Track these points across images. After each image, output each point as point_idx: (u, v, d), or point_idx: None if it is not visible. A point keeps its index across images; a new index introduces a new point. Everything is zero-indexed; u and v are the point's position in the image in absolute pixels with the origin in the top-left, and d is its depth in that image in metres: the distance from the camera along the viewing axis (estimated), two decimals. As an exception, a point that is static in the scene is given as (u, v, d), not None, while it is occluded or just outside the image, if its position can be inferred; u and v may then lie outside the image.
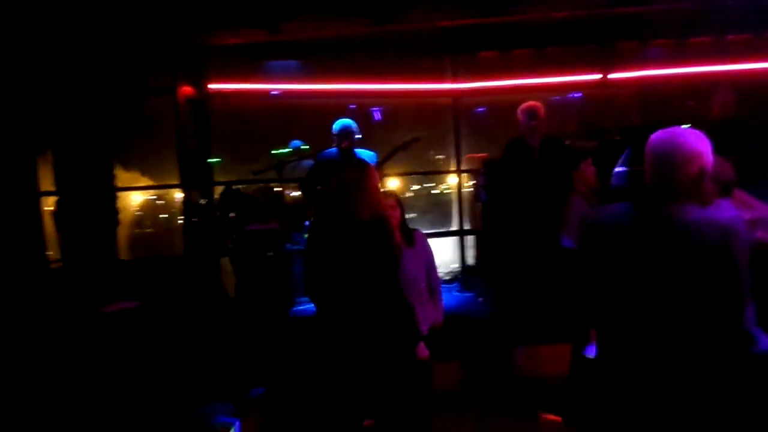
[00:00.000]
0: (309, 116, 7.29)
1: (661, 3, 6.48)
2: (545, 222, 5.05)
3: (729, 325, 2.04)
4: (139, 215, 7.18)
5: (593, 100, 7.45)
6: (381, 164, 5.39)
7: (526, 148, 5.49)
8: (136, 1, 5.34)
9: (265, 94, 7.07)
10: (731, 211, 2.19)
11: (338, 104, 7.41)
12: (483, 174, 6.25)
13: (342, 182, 3.34)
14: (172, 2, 5.58)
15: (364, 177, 3.32)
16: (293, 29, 6.13)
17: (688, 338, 2.05)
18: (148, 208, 7.23)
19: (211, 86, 6.84)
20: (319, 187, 5.37)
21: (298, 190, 6.31)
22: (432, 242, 4.08)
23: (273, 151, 7.19)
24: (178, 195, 7.01)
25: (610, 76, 7.35)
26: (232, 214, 6.40)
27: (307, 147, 6.91)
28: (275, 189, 6.50)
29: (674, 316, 2.07)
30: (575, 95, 7.59)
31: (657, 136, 2.20)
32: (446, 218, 7.91)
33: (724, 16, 6.62)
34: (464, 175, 7.44)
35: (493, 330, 4.82)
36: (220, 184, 6.75)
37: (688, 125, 5.99)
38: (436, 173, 7.92)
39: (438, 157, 7.97)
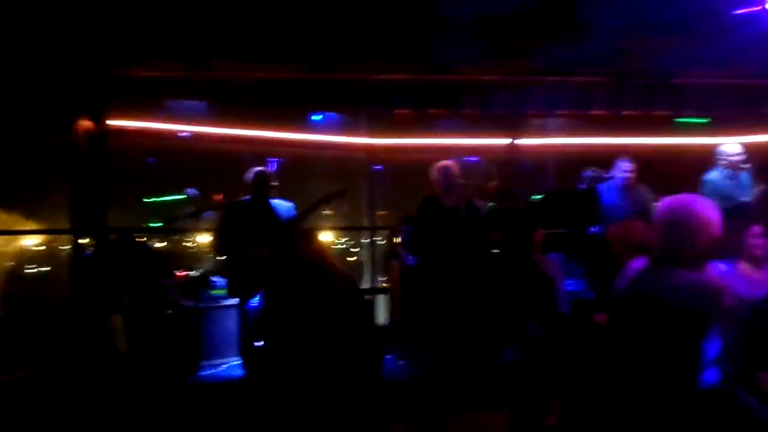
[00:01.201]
0: (218, 161, 6.93)
1: (562, 75, 6.89)
2: (467, 282, 4.99)
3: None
4: (18, 263, 6.33)
5: (502, 163, 7.66)
6: (302, 217, 5.10)
7: (440, 207, 5.39)
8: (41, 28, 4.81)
9: (172, 135, 6.60)
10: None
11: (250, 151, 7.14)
12: (405, 232, 6.14)
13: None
14: (77, 30, 5.11)
15: None
16: (219, 66, 5.82)
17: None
18: (33, 256, 6.40)
19: (113, 122, 6.27)
20: (230, 241, 5.00)
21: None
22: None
23: (149, 199, 6.68)
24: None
25: (518, 141, 7.66)
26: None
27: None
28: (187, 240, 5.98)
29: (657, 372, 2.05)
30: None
31: (669, 202, 2.18)
32: (357, 275, 7.72)
33: (621, 93, 7.19)
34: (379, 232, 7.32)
35: (426, 395, 4.60)
36: (115, 231, 6.12)
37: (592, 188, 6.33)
38: (349, 229, 7.71)
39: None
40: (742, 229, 3.66)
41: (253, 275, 4.81)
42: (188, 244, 7.06)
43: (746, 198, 5.90)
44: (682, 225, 2.10)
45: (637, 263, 3.86)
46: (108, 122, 6.23)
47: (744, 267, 3.52)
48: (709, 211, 2.12)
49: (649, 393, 2.04)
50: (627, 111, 7.38)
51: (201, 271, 6.24)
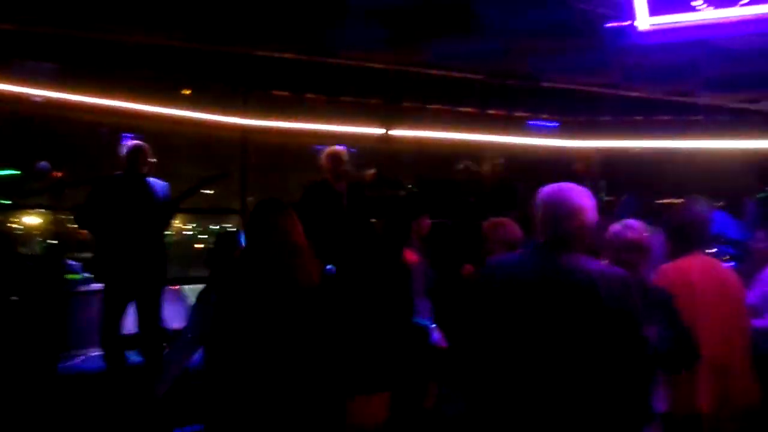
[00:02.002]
0: (73, 132, 6.30)
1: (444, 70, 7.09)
2: (354, 268, 4.98)
3: (632, 389, 2.08)
4: None
5: (377, 152, 7.74)
6: (181, 199, 4.79)
7: (332, 192, 5.38)
8: None
9: (23, 99, 5.86)
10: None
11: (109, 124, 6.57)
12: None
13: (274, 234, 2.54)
14: None
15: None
16: (77, 26, 5.25)
17: (585, 394, 2.05)
18: None
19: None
20: (99, 217, 4.55)
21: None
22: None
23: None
24: None
25: (392, 132, 7.79)
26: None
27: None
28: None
29: (573, 367, 2.06)
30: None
31: (547, 190, 2.26)
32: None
33: (491, 92, 7.57)
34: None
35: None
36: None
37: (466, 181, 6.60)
38: (219, 212, 7.38)
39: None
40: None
41: (125, 257, 4.47)
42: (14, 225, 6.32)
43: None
44: (557, 211, 2.17)
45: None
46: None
47: None
48: (582, 198, 2.19)
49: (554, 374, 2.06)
50: (493, 110, 7.81)
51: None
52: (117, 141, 7.44)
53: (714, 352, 2.73)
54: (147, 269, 4.57)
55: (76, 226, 5.07)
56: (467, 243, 5.52)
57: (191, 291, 6.49)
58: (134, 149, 4.69)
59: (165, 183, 4.80)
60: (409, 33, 5.30)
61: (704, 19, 4.22)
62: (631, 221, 2.78)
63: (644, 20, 4.23)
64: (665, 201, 6.31)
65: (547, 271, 2.12)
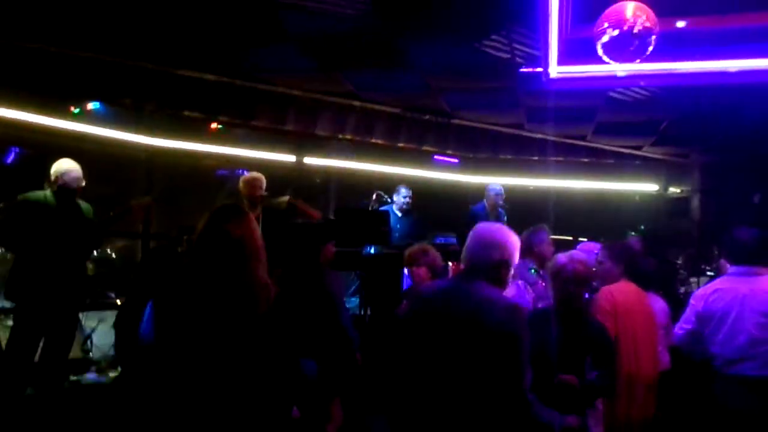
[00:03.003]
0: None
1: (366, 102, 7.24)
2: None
3: (510, 394, 2.30)
4: None
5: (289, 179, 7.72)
6: (109, 223, 4.57)
7: None
8: None
9: None
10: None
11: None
12: (186, 241, 5.82)
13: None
14: None
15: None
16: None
17: (473, 408, 2.27)
18: None
19: None
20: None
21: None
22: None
23: None
24: None
25: (305, 159, 7.82)
26: None
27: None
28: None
29: (461, 382, 2.28)
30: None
31: (478, 227, 2.50)
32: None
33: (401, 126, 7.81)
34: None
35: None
36: None
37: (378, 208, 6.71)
38: (124, 235, 7.02)
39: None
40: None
41: (45, 279, 4.15)
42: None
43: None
44: (480, 245, 2.40)
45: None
46: None
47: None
48: (503, 235, 2.43)
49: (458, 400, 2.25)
50: (403, 143, 8.05)
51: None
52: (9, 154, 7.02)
53: (648, 370, 3.11)
54: (68, 294, 4.29)
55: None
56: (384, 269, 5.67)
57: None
58: (68, 167, 4.37)
59: (88, 205, 4.53)
60: (334, 63, 5.40)
61: (606, 71, 4.64)
62: (575, 253, 2.97)
63: (554, 68, 4.60)
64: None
65: (451, 297, 2.35)
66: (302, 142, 7.79)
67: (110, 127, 6.63)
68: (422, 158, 8.39)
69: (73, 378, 5.36)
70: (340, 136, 7.71)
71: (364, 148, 7.99)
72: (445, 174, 8.70)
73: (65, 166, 4.39)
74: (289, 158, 7.73)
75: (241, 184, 5.50)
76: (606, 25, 4.24)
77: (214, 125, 7.29)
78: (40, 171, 4.68)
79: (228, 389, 2.25)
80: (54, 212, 4.26)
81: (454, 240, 6.60)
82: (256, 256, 2.33)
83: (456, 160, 8.73)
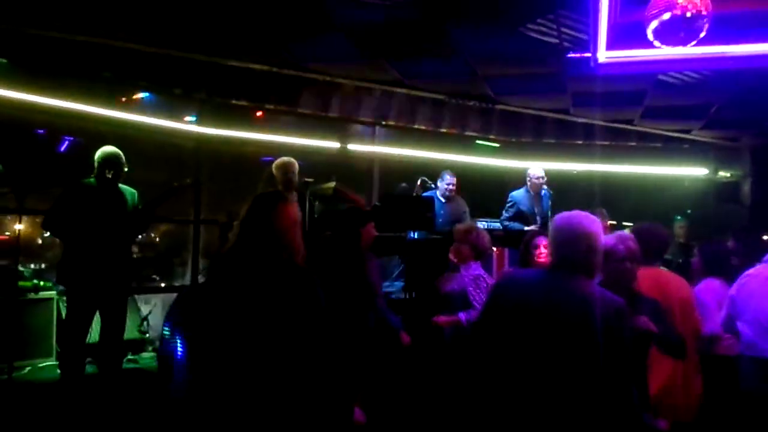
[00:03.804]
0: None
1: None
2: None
3: (617, 398, 2.26)
4: None
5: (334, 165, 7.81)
6: (151, 207, 4.71)
7: None
8: None
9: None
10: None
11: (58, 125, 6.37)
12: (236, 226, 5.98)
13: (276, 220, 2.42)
14: None
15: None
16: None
17: (580, 406, 2.23)
18: None
19: None
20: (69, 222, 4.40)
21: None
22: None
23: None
24: None
25: (349, 146, 7.90)
26: None
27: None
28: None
29: (567, 381, 2.25)
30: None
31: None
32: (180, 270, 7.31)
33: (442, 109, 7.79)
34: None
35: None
36: None
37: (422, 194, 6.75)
38: (173, 221, 7.25)
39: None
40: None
41: (94, 265, 4.33)
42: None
43: (544, 215, 6.82)
44: (567, 236, 2.38)
45: (476, 267, 4.26)
46: None
47: None
48: (590, 224, 2.40)
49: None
50: (445, 129, 8.05)
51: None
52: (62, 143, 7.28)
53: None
54: (115, 278, 4.45)
55: (43, 230, 4.87)
56: (428, 255, 5.72)
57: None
58: (110, 155, 4.55)
59: (134, 190, 4.69)
60: (380, 51, 5.44)
61: (656, 56, 4.57)
62: (622, 234, 2.99)
63: (602, 53, 4.55)
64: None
65: (551, 293, 2.31)
66: (346, 129, 7.87)
67: (160, 117, 6.85)
68: (464, 142, 8.38)
69: (131, 357, 5.65)
70: (384, 122, 7.76)
71: (407, 133, 8.03)
72: (488, 159, 8.67)
73: (107, 152, 4.54)
74: (334, 144, 7.81)
75: (273, 169, 5.55)
76: (657, 9, 4.19)
77: (259, 113, 7.42)
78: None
79: (269, 374, 2.26)
80: (98, 198, 4.42)
81: (498, 225, 6.60)
82: (294, 241, 2.41)
83: (496, 144, 8.69)
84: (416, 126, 7.86)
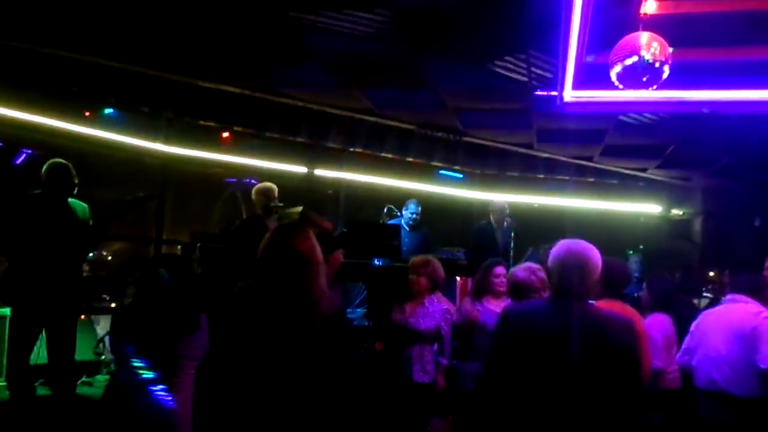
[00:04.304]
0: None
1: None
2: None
3: (633, 411, 2.35)
4: None
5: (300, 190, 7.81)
6: (106, 221, 4.59)
7: (263, 227, 5.42)
8: None
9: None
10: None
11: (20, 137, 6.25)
12: (201, 248, 5.91)
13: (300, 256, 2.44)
14: None
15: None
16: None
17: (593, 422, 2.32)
18: None
19: None
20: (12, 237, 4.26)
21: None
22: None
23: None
24: None
25: (316, 171, 7.94)
26: None
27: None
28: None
29: (584, 399, 2.34)
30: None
31: (561, 246, 2.54)
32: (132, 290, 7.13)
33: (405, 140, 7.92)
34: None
35: None
36: None
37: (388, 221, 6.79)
38: (132, 240, 7.11)
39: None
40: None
41: (41, 281, 4.14)
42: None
43: (505, 245, 6.95)
44: (579, 266, 2.45)
45: (443, 301, 4.32)
46: None
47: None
48: (590, 253, 2.50)
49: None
50: (411, 158, 8.16)
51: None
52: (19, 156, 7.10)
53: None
54: (63, 295, 4.26)
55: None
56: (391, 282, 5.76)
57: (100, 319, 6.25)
58: (56, 167, 4.34)
59: (85, 204, 4.50)
60: (354, 80, 5.52)
61: (618, 97, 4.79)
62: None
63: (568, 93, 4.74)
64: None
65: (563, 318, 2.38)
66: (313, 154, 7.91)
67: (125, 134, 6.78)
68: (429, 172, 8.51)
69: (85, 379, 5.47)
70: (351, 149, 7.83)
71: (374, 161, 8.11)
72: (452, 189, 8.82)
73: (54, 163, 4.36)
74: (300, 169, 7.84)
75: (254, 194, 5.58)
76: (621, 54, 4.39)
77: (226, 134, 7.41)
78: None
79: (287, 393, 2.32)
80: (45, 211, 4.24)
81: (462, 255, 6.68)
82: (318, 268, 2.46)
83: (461, 175, 8.85)
84: (383, 154, 7.97)
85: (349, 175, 8.10)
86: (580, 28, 3.97)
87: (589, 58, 4.45)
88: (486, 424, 2.57)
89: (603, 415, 2.30)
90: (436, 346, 4.10)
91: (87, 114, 6.63)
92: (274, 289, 2.38)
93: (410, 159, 8.13)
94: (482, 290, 4.14)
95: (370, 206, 7.58)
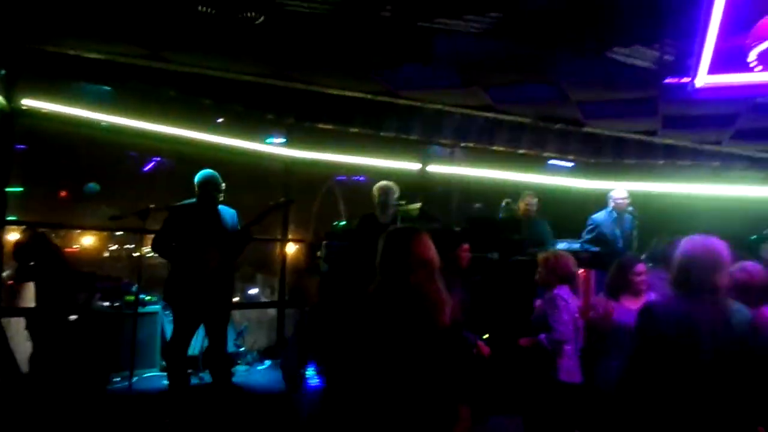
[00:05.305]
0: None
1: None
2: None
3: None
4: None
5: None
6: (253, 225, 4.93)
7: (377, 224, 5.57)
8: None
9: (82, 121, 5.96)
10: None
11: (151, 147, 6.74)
12: (326, 246, 6.17)
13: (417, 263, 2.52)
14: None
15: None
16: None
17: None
18: None
19: (27, 101, 5.55)
20: (174, 244, 4.68)
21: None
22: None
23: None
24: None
25: (428, 168, 8.04)
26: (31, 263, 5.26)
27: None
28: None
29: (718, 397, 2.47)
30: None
31: (693, 244, 2.53)
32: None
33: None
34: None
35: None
36: (17, 223, 5.44)
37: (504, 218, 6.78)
38: (261, 240, 7.53)
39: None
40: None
41: (195, 282, 4.58)
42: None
43: (627, 237, 6.75)
44: (714, 261, 2.52)
45: (563, 290, 4.27)
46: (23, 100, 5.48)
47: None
48: (724, 250, 2.56)
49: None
50: (524, 150, 8.06)
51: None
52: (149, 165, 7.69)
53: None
54: (218, 294, 4.68)
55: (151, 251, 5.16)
56: (513, 276, 5.77)
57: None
58: (208, 178, 4.80)
59: (233, 210, 4.92)
60: (479, 79, 5.57)
61: (755, 81, 4.55)
62: (747, 264, 3.06)
63: (702, 78, 4.56)
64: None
65: (709, 315, 2.50)
66: (426, 151, 8.01)
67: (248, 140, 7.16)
68: (540, 164, 8.37)
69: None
70: (463, 144, 7.86)
71: (485, 155, 8.09)
72: (567, 179, 8.64)
73: (206, 173, 4.79)
74: (414, 166, 7.97)
75: (374, 191, 5.75)
76: (761, 36, 4.19)
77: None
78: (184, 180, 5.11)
79: (417, 395, 2.42)
80: (200, 219, 4.66)
81: (577, 246, 6.57)
82: (434, 271, 2.54)
83: (571, 164, 8.64)
84: (494, 148, 7.92)
85: (460, 170, 8.15)
86: (722, 11, 3.82)
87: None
88: (631, 419, 2.62)
89: (736, 411, 2.45)
90: None
91: (219, 120, 7.03)
92: (396, 294, 2.48)
93: (522, 151, 8.04)
94: (619, 288, 4.06)
95: (481, 200, 7.60)
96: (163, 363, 5.49)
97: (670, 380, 2.50)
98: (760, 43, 4.26)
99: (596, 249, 6.47)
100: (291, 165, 7.39)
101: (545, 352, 4.06)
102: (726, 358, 2.44)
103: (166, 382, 4.76)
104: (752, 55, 4.32)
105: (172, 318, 4.99)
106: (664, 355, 2.52)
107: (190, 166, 5.75)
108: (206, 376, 5.25)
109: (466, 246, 4.98)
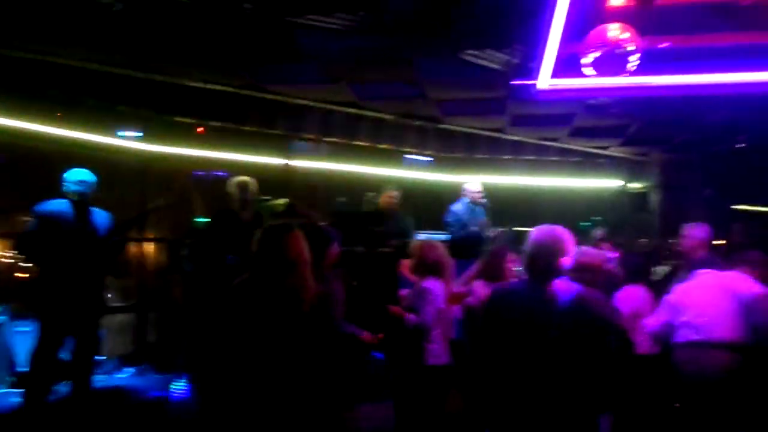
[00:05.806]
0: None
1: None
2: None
3: (597, 384, 2.69)
4: None
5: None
6: (127, 228, 4.67)
7: (237, 221, 5.45)
8: None
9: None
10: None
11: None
12: (190, 245, 5.99)
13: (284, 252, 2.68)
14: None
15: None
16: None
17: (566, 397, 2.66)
18: None
19: None
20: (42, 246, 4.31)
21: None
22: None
23: None
24: None
25: (292, 162, 8.06)
26: None
27: None
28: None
29: (560, 370, 2.65)
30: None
31: (540, 231, 2.82)
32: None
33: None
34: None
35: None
36: None
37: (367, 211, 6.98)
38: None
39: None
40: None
41: (65, 288, 4.27)
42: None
43: (480, 227, 7.23)
44: (552, 247, 2.74)
45: (431, 283, 4.53)
46: None
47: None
48: (566, 236, 2.79)
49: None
50: (384, 146, 8.34)
51: None
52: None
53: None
54: (89, 300, 4.41)
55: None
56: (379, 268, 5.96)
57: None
58: (81, 178, 4.42)
59: (107, 212, 4.59)
60: (344, 76, 5.67)
61: (588, 85, 5.11)
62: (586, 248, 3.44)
63: (545, 81, 5.03)
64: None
65: (539, 296, 2.71)
66: (289, 146, 8.01)
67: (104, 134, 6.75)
68: (399, 158, 8.74)
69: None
70: (326, 139, 7.96)
71: (346, 150, 8.26)
72: (422, 173, 9.03)
73: (72, 174, 4.45)
74: (279, 161, 7.94)
75: (231, 187, 5.58)
76: (593, 44, 4.72)
77: (200, 129, 7.44)
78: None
79: (283, 381, 2.58)
80: (71, 220, 4.34)
81: (439, 236, 6.91)
82: (305, 267, 2.70)
83: (429, 159, 9.06)
84: (356, 143, 8.12)
85: (323, 165, 8.25)
86: (562, 22, 4.25)
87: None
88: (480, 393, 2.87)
89: (578, 382, 2.65)
90: None
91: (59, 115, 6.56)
92: (266, 287, 2.64)
93: (383, 146, 8.31)
94: (495, 275, 4.30)
95: (344, 194, 7.71)
96: (13, 379, 5.03)
97: (513, 359, 2.70)
98: (592, 51, 4.81)
99: (456, 237, 6.86)
100: (148, 160, 7.05)
101: (413, 339, 4.23)
102: (565, 336, 2.63)
103: (17, 399, 4.39)
104: (586, 62, 4.86)
105: (25, 329, 4.59)
106: (506, 335, 2.72)
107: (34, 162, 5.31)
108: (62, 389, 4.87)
109: (334, 245, 5.06)
